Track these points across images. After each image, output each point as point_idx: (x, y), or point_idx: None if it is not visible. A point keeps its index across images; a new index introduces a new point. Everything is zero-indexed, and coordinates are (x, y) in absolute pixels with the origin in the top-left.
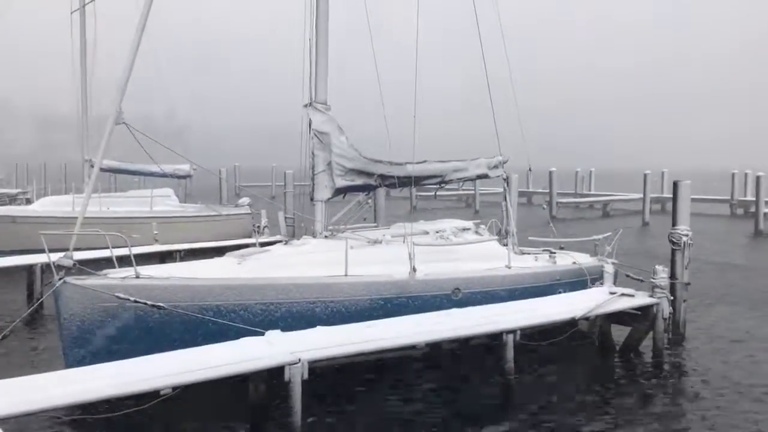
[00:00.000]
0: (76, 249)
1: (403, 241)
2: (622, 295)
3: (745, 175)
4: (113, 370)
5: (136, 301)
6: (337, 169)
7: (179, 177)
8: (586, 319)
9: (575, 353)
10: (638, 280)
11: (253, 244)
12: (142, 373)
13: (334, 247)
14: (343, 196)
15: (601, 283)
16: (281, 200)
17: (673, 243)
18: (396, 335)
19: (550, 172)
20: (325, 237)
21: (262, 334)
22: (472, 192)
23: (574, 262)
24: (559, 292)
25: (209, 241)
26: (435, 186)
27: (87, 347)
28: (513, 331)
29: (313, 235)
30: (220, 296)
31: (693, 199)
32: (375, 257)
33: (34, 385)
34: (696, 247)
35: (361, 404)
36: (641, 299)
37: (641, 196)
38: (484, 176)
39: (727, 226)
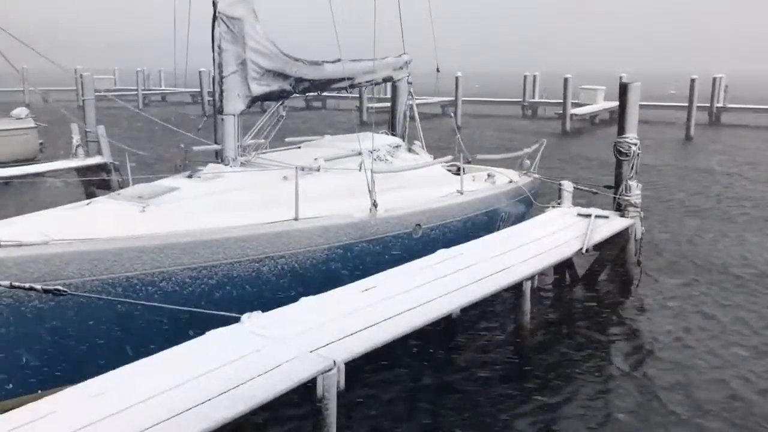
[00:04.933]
0: None
1: (361, 168)
2: (597, 216)
3: (534, 77)
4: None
5: (12, 286)
6: (253, 71)
7: None
8: (588, 250)
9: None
10: (592, 192)
11: (104, 172)
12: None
13: (259, 179)
14: (248, 107)
15: (558, 203)
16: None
17: (620, 153)
18: (419, 300)
19: (456, 78)
20: (241, 165)
21: (236, 319)
22: None
23: (511, 181)
24: (502, 216)
25: None
26: (342, 89)
27: None
28: (531, 278)
29: (224, 162)
30: (136, 263)
31: (488, 101)
32: (316, 191)
33: None
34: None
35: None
36: (617, 221)
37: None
38: (389, 79)
39: (532, 127)
